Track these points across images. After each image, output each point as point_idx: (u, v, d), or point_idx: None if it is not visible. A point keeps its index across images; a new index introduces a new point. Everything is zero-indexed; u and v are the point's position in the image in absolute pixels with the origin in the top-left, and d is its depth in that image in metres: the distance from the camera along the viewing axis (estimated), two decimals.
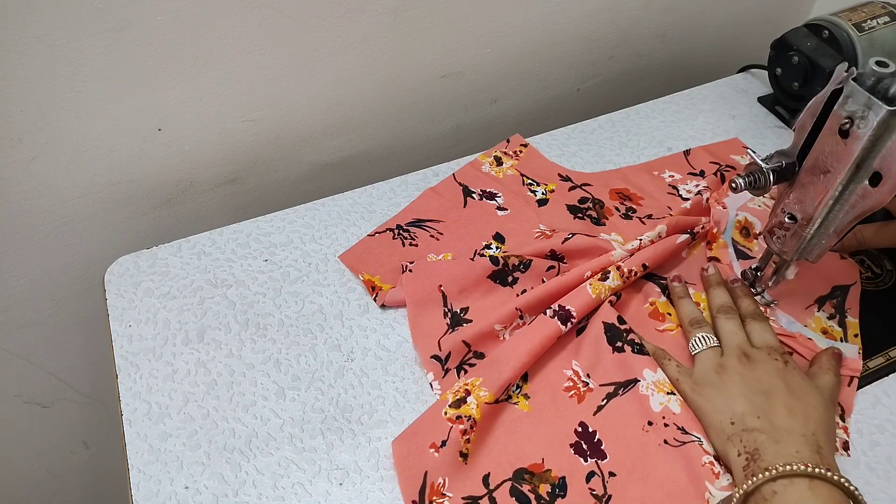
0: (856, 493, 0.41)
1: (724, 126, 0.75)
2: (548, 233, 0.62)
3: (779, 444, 0.44)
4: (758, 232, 0.61)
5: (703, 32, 0.88)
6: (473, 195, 0.66)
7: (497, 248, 0.62)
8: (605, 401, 0.51)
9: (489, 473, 0.48)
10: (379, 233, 0.63)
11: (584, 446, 0.49)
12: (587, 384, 0.52)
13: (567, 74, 0.83)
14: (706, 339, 0.52)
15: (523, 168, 0.69)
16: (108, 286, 0.59)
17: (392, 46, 0.69)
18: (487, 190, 0.67)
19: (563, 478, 0.48)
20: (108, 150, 0.63)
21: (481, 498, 0.47)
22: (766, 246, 0.55)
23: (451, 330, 0.55)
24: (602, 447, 0.49)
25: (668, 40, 0.86)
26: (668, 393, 0.50)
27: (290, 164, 0.74)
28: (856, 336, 0.56)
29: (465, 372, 0.53)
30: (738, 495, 0.43)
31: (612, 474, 0.48)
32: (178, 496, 0.47)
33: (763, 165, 0.49)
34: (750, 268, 0.58)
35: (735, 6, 0.87)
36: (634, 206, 0.65)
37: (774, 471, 0.42)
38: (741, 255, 0.61)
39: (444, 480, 0.47)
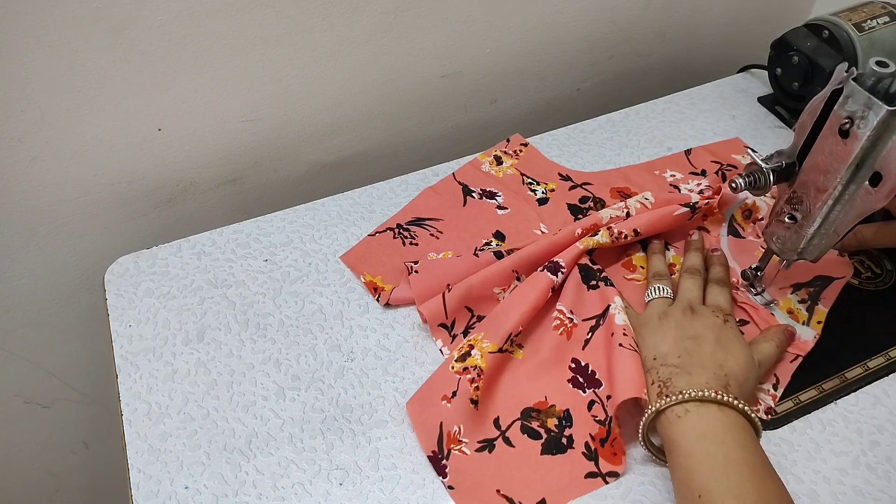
0: (758, 423, 0.45)
1: (724, 126, 0.75)
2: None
3: (690, 376, 0.47)
4: (760, 217, 0.63)
5: (702, 32, 0.88)
6: (473, 194, 0.67)
7: (497, 244, 0.62)
8: (590, 334, 0.55)
9: (498, 416, 0.51)
10: (379, 232, 0.63)
11: (581, 379, 0.53)
12: (572, 320, 0.55)
13: (567, 74, 0.83)
14: (661, 289, 0.55)
15: (523, 167, 0.69)
16: (108, 286, 0.59)
17: (392, 46, 0.69)
18: (487, 189, 0.67)
19: (567, 410, 0.51)
20: (108, 150, 0.63)
21: (496, 439, 0.50)
22: (759, 233, 0.57)
23: (449, 288, 0.56)
24: (596, 376, 0.53)
25: (668, 40, 0.86)
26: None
27: (290, 164, 0.74)
28: (819, 323, 0.57)
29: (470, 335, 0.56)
30: (649, 411, 0.46)
31: (608, 397, 0.51)
32: (178, 496, 0.47)
33: (763, 165, 0.49)
34: (750, 268, 0.58)
35: (735, 6, 0.87)
36: None
37: (686, 395, 0.45)
38: (733, 232, 0.63)
39: (460, 428, 0.50)
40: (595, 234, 0.58)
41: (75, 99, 0.58)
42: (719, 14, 0.87)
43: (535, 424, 0.51)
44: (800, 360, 0.54)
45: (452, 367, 0.52)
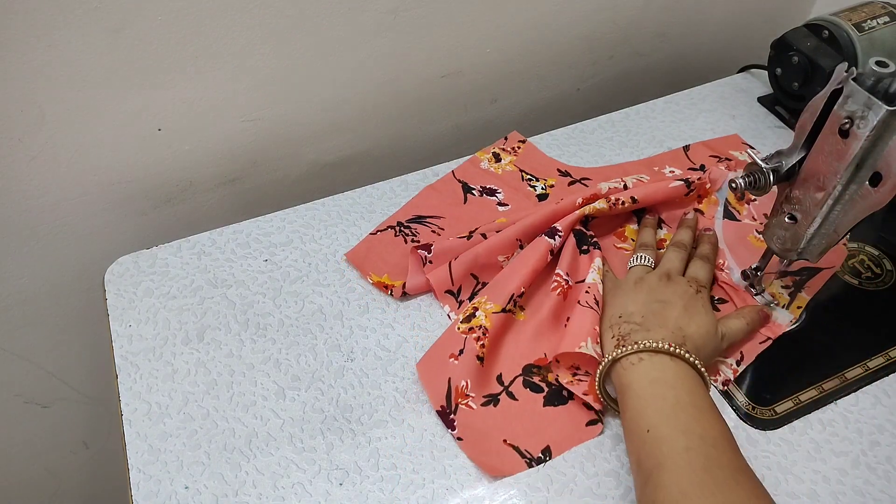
0: (707, 377, 0.48)
1: (723, 126, 0.75)
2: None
3: (648, 332, 0.49)
4: (752, 198, 0.64)
5: (702, 32, 0.88)
6: (473, 192, 0.67)
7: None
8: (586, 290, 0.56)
9: (501, 373, 0.54)
10: (380, 231, 0.63)
11: None
12: (567, 282, 0.57)
13: (567, 74, 0.83)
14: (644, 258, 0.58)
15: (522, 164, 0.70)
16: (108, 286, 0.59)
17: (392, 46, 0.69)
18: (487, 186, 0.67)
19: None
20: (108, 150, 0.63)
21: (500, 394, 0.52)
22: (754, 215, 0.59)
23: (456, 257, 0.58)
24: None
25: (668, 40, 0.86)
26: (602, 278, 0.56)
27: (290, 164, 0.74)
28: (799, 308, 0.57)
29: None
30: (606, 360, 0.49)
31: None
32: (178, 496, 0.47)
33: (763, 165, 0.49)
34: (750, 268, 0.58)
35: (735, 6, 0.87)
36: None
37: (641, 345, 0.48)
38: (729, 215, 0.64)
39: (467, 382, 0.52)
40: (592, 202, 0.61)
41: (75, 99, 0.58)
42: (719, 14, 0.87)
43: (536, 379, 0.53)
44: (769, 342, 0.55)
45: (458, 328, 0.54)
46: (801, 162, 0.49)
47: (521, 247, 0.60)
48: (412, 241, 0.62)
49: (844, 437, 0.51)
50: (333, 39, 0.65)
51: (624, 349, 0.48)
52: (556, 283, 0.57)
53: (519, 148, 0.71)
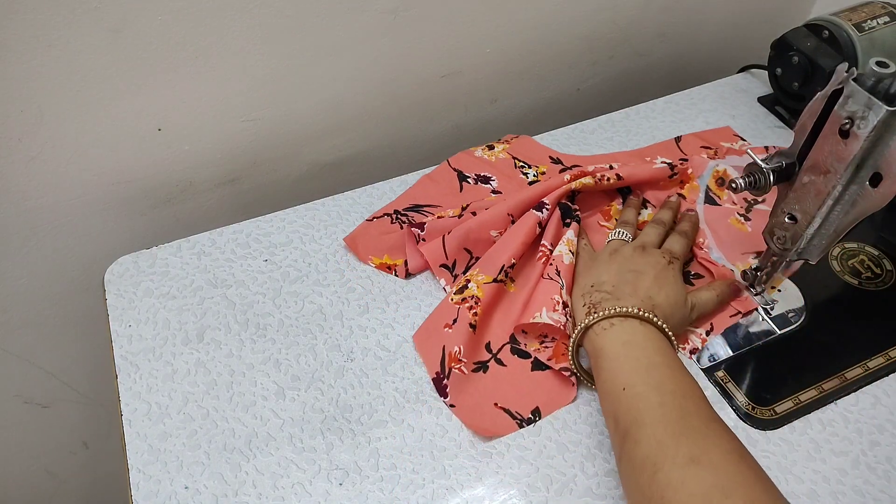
0: (673, 339, 0.50)
1: (724, 126, 0.75)
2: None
3: (618, 301, 0.51)
4: (732, 185, 0.64)
5: (703, 32, 0.88)
6: (468, 180, 0.68)
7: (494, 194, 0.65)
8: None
9: (489, 342, 0.55)
10: (377, 217, 0.64)
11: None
12: (551, 252, 0.59)
13: (567, 74, 0.83)
14: (622, 233, 0.59)
15: (515, 151, 0.71)
16: (107, 286, 0.59)
17: (392, 46, 0.69)
18: (482, 174, 0.68)
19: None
20: (108, 149, 0.63)
21: (489, 361, 0.54)
22: (734, 199, 0.63)
23: (449, 232, 0.60)
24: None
25: (668, 40, 0.86)
26: (570, 250, 0.57)
27: (290, 164, 0.74)
28: (773, 288, 0.59)
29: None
30: (579, 327, 0.50)
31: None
32: (178, 496, 0.47)
33: (763, 165, 0.49)
34: (750, 268, 0.58)
35: (735, 6, 0.87)
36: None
37: (611, 311, 0.49)
38: (710, 200, 0.65)
39: (460, 348, 0.53)
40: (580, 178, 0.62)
41: (75, 99, 0.58)
42: (719, 14, 0.87)
43: (522, 345, 0.55)
44: (740, 315, 0.57)
45: (452, 300, 0.56)
46: (801, 162, 0.49)
47: (513, 221, 0.61)
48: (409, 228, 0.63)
49: (844, 437, 0.51)
50: (333, 39, 0.65)
51: (595, 316, 0.50)
52: (541, 254, 0.59)
53: (513, 138, 0.72)
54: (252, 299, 0.58)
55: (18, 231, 0.65)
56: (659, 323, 0.49)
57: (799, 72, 0.69)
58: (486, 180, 0.68)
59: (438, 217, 0.62)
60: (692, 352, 0.55)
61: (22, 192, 0.62)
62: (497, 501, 0.47)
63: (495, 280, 0.57)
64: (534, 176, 0.68)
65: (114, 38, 0.56)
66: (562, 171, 0.68)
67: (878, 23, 0.66)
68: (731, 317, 0.57)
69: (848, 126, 0.44)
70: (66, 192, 0.64)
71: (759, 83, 0.80)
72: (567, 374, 0.52)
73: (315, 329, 0.57)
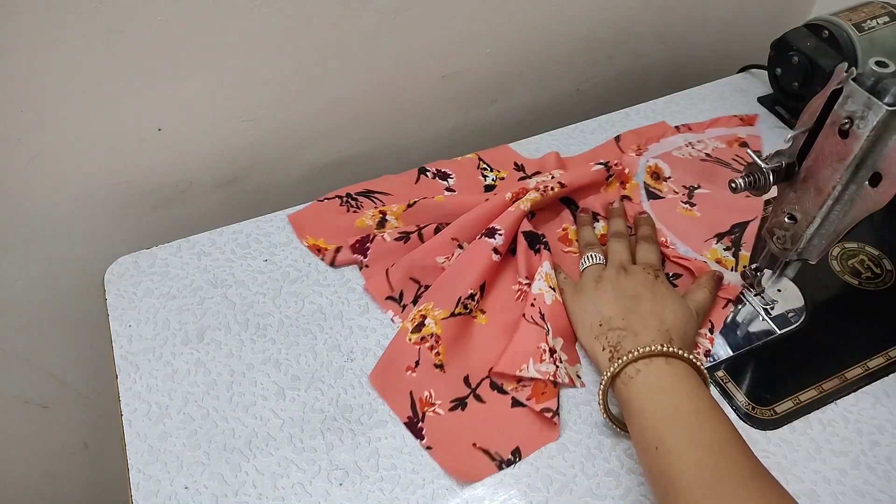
0: (704, 371, 0.47)
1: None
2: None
3: (637, 336, 0.50)
4: (667, 176, 0.68)
5: (702, 32, 0.88)
6: (427, 173, 0.68)
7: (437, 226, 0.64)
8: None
9: (468, 375, 0.53)
10: (328, 198, 0.65)
11: None
12: (528, 283, 0.58)
13: (567, 75, 0.83)
14: (594, 257, 0.59)
15: (483, 153, 0.71)
16: (107, 286, 0.59)
17: (392, 46, 0.69)
18: (442, 170, 0.69)
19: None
20: (108, 150, 0.63)
21: (467, 397, 0.52)
22: (675, 189, 0.65)
23: (392, 265, 0.58)
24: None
25: (668, 40, 0.86)
26: (550, 287, 0.56)
27: (290, 164, 0.74)
28: (744, 266, 0.60)
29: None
30: (605, 378, 0.48)
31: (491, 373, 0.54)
32: (178, 496, 0.47)
33: (763, 165, 0.49)
34: (750, 268, 0.58)
35: (735, 6, 0.87)
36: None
37: (635, 352, 0.47)
38: (652, 195, 0.66)
39: (430, 392, 0.52)
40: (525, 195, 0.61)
41: (75, 99, 0.58)
42: (719, 14, 0.87)
43: (500, 384, 0.53)
44: (731, 305, 0.58)
45: (410, 339, 0.54)
46: (801, 162, 0.49)
47: (461, 246, 0.60)
48: (353, 211, 0.64)
49: (844, 437, 0.51)
50: (333, 40, 0.65)
51: (620, 361, 0.48)
52: (519, 292, 0.58)
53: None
54: (252, 299, 0.58)
55: (18, 231, 0.65)
56: (685, 355, 0.47)
57: (799, 72, 0.69)
58: (445, 177, 0.68)
59: (382, 237, 0.61)
60: (706, 354, 0.55)
61: (22, 192, 0.62)
62: (497, 501, 0.47)
63: (454, 314, 0.55)
64: (492, 180, 0.68)
65: (113, 38, 0.56)
66: (521, 178, 0.68)
67: (878, 23, 0.66)
68: (723, 308, 0.57)
69: (848, 126, 0.44)
70: (65, 193, 0.64)
71: (759, 83, 0.80)
72: (549, 414, 0.50)
73: (315, 329, 0.57)
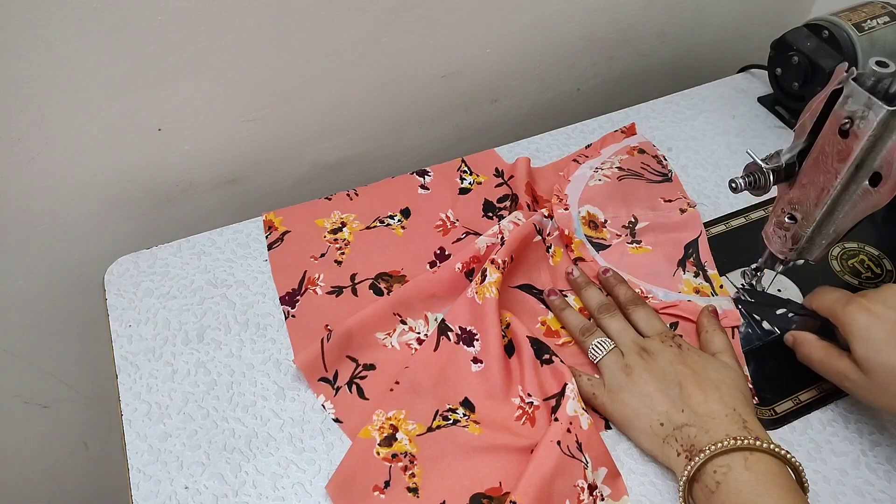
0: (788, 456, 0.43)
1: (724, 126, 0.75)
2: (448, 225, 0.63)
3: (709, 433, 0.45)
4: (602, 220, 0.64)
5: (703, 32, 0.88)
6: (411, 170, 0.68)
7: (399, 220, 0.63)
8: (553, 416, 0.49)
9: (444, 502, 0.46)
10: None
11: None
12: (532, 403, 0.51)
13: (567, 74, 0.83)
14: (602, 344, 0.52)
15: (470, 157, 0.70)
16: (107, 286, 0.59)
17: (392, 46, 0.69)
18: (423, 168, 0.68)
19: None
20: (108, 150, 0.63)
21: None
22: (617, 233, 0.62)
23: (328, 334, 0.53)
24: None
25: (669, 40, 0.86)
26: (584, 410, 0.49)
27: (290, 164, 0.74)
28: (721, 287, 0.59)
29: (357, 386, 0.52)
30: (682, 483, 0.44)
31: (506, 495, 0.47)
32: (178, 496, 0.47)
33: (763, 165, 0.49)
34: (750, 268, 0.58)
35: (735, 6, 0.87)
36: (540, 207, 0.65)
37: (708, 451, 0.43)
38: (599, 247, 0.62)
39: None
40: (484, 278, 0.54)
41: (75, 99, 0.58)
42: (720, 14, 0.87)
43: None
44: (736, 331, 0.56)
45: (378, 454, 0.48)
46: (801, 162, 0.49)
47: (403, 321, 0.55)
48: (325, 198, 0.64)
49: (844, 437, 0.51)
50: (333, 39, 0.65)
51: (694, 462, 0.44)
52: (519, 412, 0.50)
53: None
54: (252, 299, 0.58)
55: (18, 231, 0.65)
56: (764, 446, 0.43)
57: (799, 72, 0.69)
58: (423, 174, 0.68)
59: (314, 291, 0.58)
60: (753, 395, 0.52)
61: (22, 191, 0.62)
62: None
63: (431, 429, 0.49)
64: (468, 183, 0.67)
65: (114, 38, 0.56)
66: (497, 185, 0.66)
67: (878, 23, 0.66)
68: (734, 338, 0.55)
69: (848, 126, 0.44)
70: (66, 192, 0.64)
71: (759, 83, 0.80)
72: None
73: None
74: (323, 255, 0.60)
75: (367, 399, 0.52)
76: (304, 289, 0.58)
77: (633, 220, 0.63)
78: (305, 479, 0.48)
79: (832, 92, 0.45)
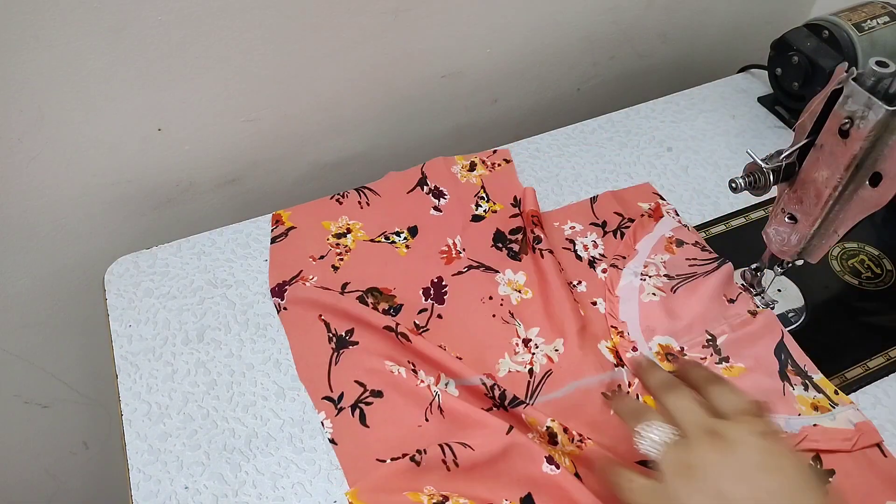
0: None
1: (724, 126, 0.75)
2: (453, 253, 0.61)
3: None
4: (679, 349, 0.55)
5: (703, 32, 0.88)
6: (424, 186, 0.66)
7: (405, 238, 0.62)
8: None
9: None
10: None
11: None
12: None
13: (568, 74, 0.83)
14: (658, 430, 0.40)
15: (488, 181, 0.67)
16: (108, 286, 0.59)
17: (392, 46, 0.69)
18: (439, 188, 0.66)
19: None
20: (108, 150, 0.63)
21: None
22: (702, 355, 0.54)
23: (335, 354, 0.53)
24: None
25: (669, 40, 0.86)
26: None
27: (290, 164, 0.74)
28: (837, 393, 0.52)
29: (360, 411, 0.51)
30: None
31: None
32: (178, 496, 0.47)
33: (763, 165, 0.49)
34: (750, 268, 0.58)
35: (735, 6, 0.87)
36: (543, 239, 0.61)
37: None
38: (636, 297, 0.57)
39: None
40: (555, 443, 0.48)
41: (75, 99, 0.58)
42: (720, 14, 0.87)
43: None
44: (885, 447, 0.49)
45: None
46: (801, 162, 0.49)
47: (414, 371, 0.52)
48: (337, 201, 0.65)
49: None
50: (333, 39, 0.65)
51: None
52: None
53: (499, 165, 0.69)
54: (252, 299, 0.58)
55: (19, 231, 0.65)
56: None
57: (799, 72, 0.69)
58: (439, 195, 0.65)
59: (302, 282, 0.57)
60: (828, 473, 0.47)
61: (22, 192, 0.62)
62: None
63: None
64: (483, 211, 0.64)
65: (114, 38, 0.56)
66: (513, 216, 0.63)
67: (878, 23, 0.66)
68: (885, 457, 0.49)
69: (848, 126, 0.44)
70: (66, 193, 0.64)
71: (759, 83, 0.80)
72: None
73: None
74: (322, 258, 0.60)
75: (368, 427, 0.50)
76: (293, 283, 0.59)
77: (710, 337, 0.55)
78: (305, 479, 0.48)
79: (832, 92, 0.45)
